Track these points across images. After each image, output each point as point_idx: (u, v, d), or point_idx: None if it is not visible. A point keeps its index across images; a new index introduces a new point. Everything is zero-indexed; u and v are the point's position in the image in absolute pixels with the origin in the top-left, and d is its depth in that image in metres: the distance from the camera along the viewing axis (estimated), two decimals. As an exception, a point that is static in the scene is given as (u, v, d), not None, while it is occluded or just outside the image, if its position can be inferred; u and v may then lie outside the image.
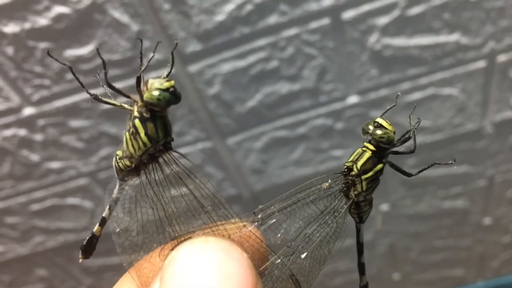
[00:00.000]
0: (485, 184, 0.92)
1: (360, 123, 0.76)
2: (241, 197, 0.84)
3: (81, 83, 0.32)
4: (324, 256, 0.34)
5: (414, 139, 0.34)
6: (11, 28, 0.60)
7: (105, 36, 0.62)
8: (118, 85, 0.69)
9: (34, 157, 0.73)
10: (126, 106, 0.31)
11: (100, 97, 0.32)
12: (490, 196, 0.96)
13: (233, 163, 0.78)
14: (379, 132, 0.32)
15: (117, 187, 0.32)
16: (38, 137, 0.71)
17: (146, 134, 0.30)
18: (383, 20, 0.64)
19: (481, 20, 0.66)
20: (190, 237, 0.26)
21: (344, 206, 0.34)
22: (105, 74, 0.31)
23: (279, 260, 0.32)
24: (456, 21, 0.66)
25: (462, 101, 0.75)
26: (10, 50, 0.62)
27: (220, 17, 0.62)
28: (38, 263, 0.92)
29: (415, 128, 0.34)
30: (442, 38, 0.67)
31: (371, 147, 0.33)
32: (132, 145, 0.30)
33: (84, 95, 0.67)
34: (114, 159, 0.32)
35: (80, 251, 0.36)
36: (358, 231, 0.35)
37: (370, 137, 0.32)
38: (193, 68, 0.66)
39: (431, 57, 0.69)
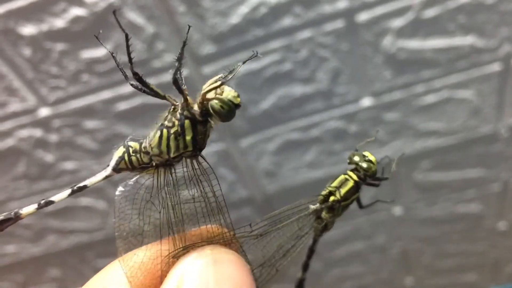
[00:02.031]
0: (500, 188, 0.92)
1: (373, 126, 0.76)
2: (253, 199, 0.84)
3: (121, 70, 0.31)
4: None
5: (390, 169, 0.37)
6: (29, 30, 0.61)
7: (121, 38, 0.62)
8: (132, 87, 0.70)
9: (49, 158, 0.74)
10: (171, 99, 0.29)
11: (139, 85, 0.30)
12: (505, 201, 0.95)
13: (246, 165, 0.79)
14: (365, 165, 0.35)
15: (101, 176, 0.30)
16: (53, 137, 0.71)
17: (193, 138, 0.28)
18: (397, 23, 0.64)
19: (496, 23, 0.65)
20: (194, 246, 0.26)
21: (316, 225, 0.36)
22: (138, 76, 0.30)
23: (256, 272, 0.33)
24: (471, 24, 0.65)
25: (477, 104, 0.75)
26: (27, 52, 0.62)
27: (234, 19, 0.62)
28: (51, 263, 0.93)
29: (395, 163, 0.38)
30: (457, 41, 0.67)
31: (355, 177, 0.35)
32: (168, 145, 0.28)
33: (99, 97, 0.68)
34: (122, 150, 0.30)
35: None
36: (315, 241, 0.37)
37: (354, 167, 0.35)
38: (207, 69, 0.66)
39: (446, 59, 0.69)
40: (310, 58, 0.67)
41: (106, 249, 0.90)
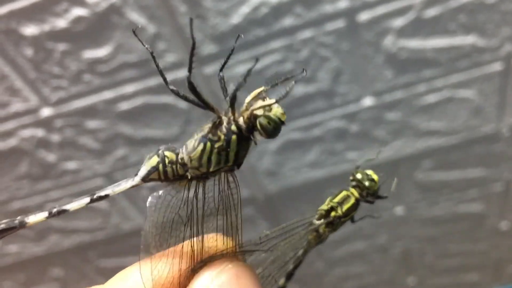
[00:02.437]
0: (502, 188, 0.92)
1: (375, 125, 0.76)
2: (254, 199, 0.84)
3: (163, 76, 0.29)
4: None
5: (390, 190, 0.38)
6: (31, 30, 0.61)
7: (122, 38, 0.63)
8: (134, 86, 0.70)
9: (51, 158, 0.74)
10: (218, 111, 0.28)
11: (180, 92, 0.28)
12: (507, 200, 0.95)
13: (247, 164, 0.79)
14: (368, 184, 0.36)
15: (128, 185, 0.28)
16: (55, 137, 0.72)
17: (236, 153, 0.27)
18: (398, 22, 0.64)
19: (497, 23, 0.65)
20: (213, 259, 0.26)
21: (311, 238, 0.36)
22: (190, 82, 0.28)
23: None
24: (472, 23, 0.65)
25: (478, 103, 0.75)
26: (29, 52, 0.63)
27: (235, 19, 0.62)
28: (53, 263, 0.93)
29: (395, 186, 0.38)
30: (458, 40, 0.67)
31: (357, 194, 0.36)
32: (210, 158, 0.27)
33: (101, 97, 0.68)
34: (156, 159, 0.28)
35: None
36: (306, 252, 0.38)
37: (356, 184, 0.36)
38: (209, 69, 0.66)
39: (447, 59, 0.69)
40: (311, 58, 0.67)
41: (108, 249, 0.90)
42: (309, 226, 0.35)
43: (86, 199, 0.29)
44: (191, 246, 0.27)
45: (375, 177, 0.36)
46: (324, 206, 0.36)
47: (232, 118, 0.27)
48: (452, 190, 0.91)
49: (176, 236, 0.28)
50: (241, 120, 0.27)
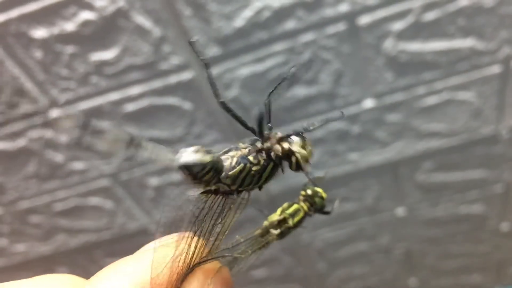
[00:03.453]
0: (503, 189, 0.92)
1: (376, 127, 0.77)
2: (257, 199, 0.85)
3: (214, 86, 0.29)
4: None
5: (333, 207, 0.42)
6: (40, 33, 0.63)
7: (129, 41, 0.64)
8: (140, 88, 0.72)
9: (59, 158, 0.76)
10: (259, 135, 0.29)
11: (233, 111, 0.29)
12: (508, 202, 0.96)
13: (251, 165, 0.80)
14: (317, 200, 0.39)
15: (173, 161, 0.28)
16: (63, 138, 0.73)
17: (267, 178, 0.29)
18: (398, 26, 0.66)
19: (495, 26, 0.67)
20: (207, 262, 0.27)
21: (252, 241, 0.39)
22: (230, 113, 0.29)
23: None
24: (470, 27, 0.67)
25: (478, 105, 0.76)
26: (39, 54, 0.64)
27: (239, 23, 0.64)
28: (60, 263, 0.95)
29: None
30: (457, 43, 0.68)
31: (306, 208, 0.39)
32: (244, 179, 0.28)
33: (107, 98, 0.70)
34: (210, 159, 0.27)
35: None
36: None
37: (305, 199, 0.39)
38: (213, 71, 0.68)
39: (446, 62, 0.70)
40: (313, 61, 0.69)
41: (114, 248, 0.92)
42: (265, 234, 0.38)
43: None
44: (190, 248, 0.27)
45: (324, 195, 0.40)
46: (277, 216, 0.38)
47: (273, 146, 0.29)
48: (453, 191, 0.92)
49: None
50: (278, 149, 0.29)
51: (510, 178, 0.90)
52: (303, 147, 0.29)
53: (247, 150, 0.29)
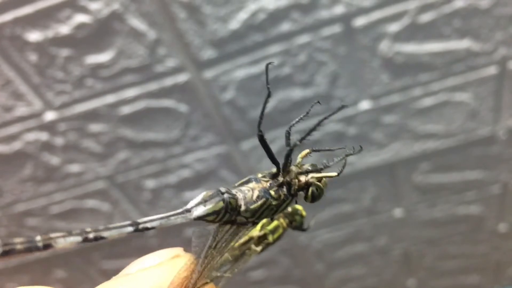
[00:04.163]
0: (500, 190, 0.92)
1: (372, 128, 0.77)
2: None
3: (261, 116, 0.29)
4: None
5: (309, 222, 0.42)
6: (35, 36, 0.62)
7: (124, 44, 0.64)
8: (136, 90, 0.71)
9: (55, 161, 0.76)
10: (284, 171, 0.30)
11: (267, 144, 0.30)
12: (505, 203, 0.96)
13: (247, 167, 0.80)
14: (298, 218, 0.40)
15: (184, 220, 0.28)
16: (59, 141, 0.73)
17: (282, 210, 0.30)
18: (393, 27, 0.66)
19: (491, 27, 0.67)
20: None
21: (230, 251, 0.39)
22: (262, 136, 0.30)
23: None
24: (466, 28, 0.67)
25: (474, 107, 0.76)
26: (34, 57, 0.64)
27: (234, 25, 0.64)
28: (57, 265, 0.95)
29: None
30: (453, 45, 0.68)
31: (285, 225, 0.40)
32: (263, 212, 0.29)
33: (103, 101, 0.69)
34: (222, 205, 0.27)
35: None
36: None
37: (284, 216, 0.40)
38: (208, 74, 0.68)
39: (442, 63, 0.70)
40: (309, 62, 0.68)
41: (111, 251, 0.92)
42: (245, 248, 0.38)
43: (130, 229, 0.26)
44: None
45: (304, 213, 0.41)
46: (257, 232, 0.39)
47: (293, 180, 0.30)
48: (450, 192, 0.92)
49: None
50: (296, 182, 0.30)
51: (507, 179, 0.90)
52: (320, 179, 0.30)
53: (268, 184, 0.29)
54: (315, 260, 1.04)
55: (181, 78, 0.68)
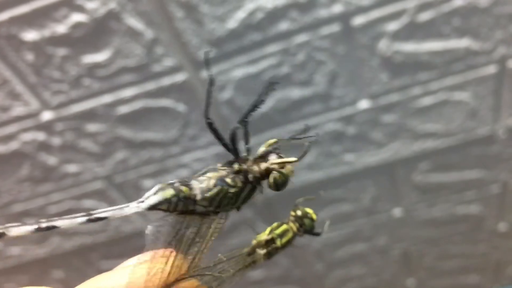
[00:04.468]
0: (499, 189, 0.92)
1: (371, 128, 0.77)
2: (253, 202, 0.85)
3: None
4: None
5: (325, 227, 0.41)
6: (31, 35, 0.62)
7: (121, 43, 0.64)
8: (133, 90, 0.71)
9: (52, 161, 0.75)
10: (239, 158, 0.29)
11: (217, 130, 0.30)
12: (505, 202, 0.96)
13: (246, 167, 0.80)
14: (307, 222, 0.39)
15: (129, 212, 0.29)
16: (56, 141, 0.73)
17: (244, 199, 0.29)
18: (392, 26, 0.65)
19: (490, 26, 0.66)
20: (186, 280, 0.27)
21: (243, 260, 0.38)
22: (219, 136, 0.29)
23: None
24: (466, 27, 0.66)
25: (474, 106, 0.76)
26: (30, 57, 0.64)
27: (232, 24, 0.63)
28: (55, 265, 0.94)
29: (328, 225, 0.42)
30: (452, 44, 0.68)
31: (295, 229, 0.39)
32: (221, 201, 0.28)
33: (100, 100, 0.69)
34: (170, 192, 0.28)
35: None
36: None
37: (295, 220, 0.39)
38: (206, 74, 0.67)
39: (441, 62, 0.69)
40: (307, 62, 0.68)
41: (109, 251, 0.91)
42: (252, 253, 0.37)
43: (82, 219, 0.28)
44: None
45: (314, 216, 0.39)
46: (264, 236, 0.38)
47: (250, 167, 0.29)
48: (450, 191, 0.92)
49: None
50: (255, 170, 0.29)
51: (507, 178, 0.90)
52: (282, 166, 0.29)
53: (225, 172, 0.29)
54: (314, 260, 1.04)
55: (179, 77, 0.67)
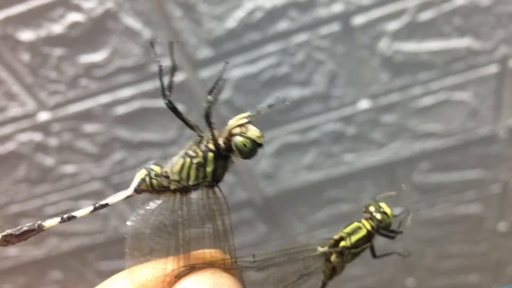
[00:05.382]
0: (500, 189, 0.92)
1: (371, 128, 0.76)
2: (252, 201, 0.84)
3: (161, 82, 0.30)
4: None
5: (403, 223, 0.38)
6: (27, 35, 0.61)
7: (119, 43, 0.63)
8: (131, 90, 0.71)
9: (49, 161, 0.75)
10: (198, 130, 0.30)
11: (177, 108, 0.31)
12: (505, 202, 0.95)
13: (245, 167, 0.79)
14: (380, 216, 0.36)
15: (122, 196, 0.32)
16: (53, 141, 0.72)
17: (213, 170, 0.29)
18: (393, 26, 0.65)
19: (492, 25, 0.66)
20: (197, 268, 0.27)
21: (324, 268, 0.36)
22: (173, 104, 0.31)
23: None
24: (467, 26, 0.66)
25: (474, 106, 0.75)
26: (26, 57, 0.63)
27: (230, 24, 0.63)
28: (52, 266, 0.94)
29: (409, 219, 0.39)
30: (453, 43, 0.67)
31: (368, 226, 0.36)
32: (189, 173, 0.29)
33: (98, 101, 0.68)
34: (143, 172, 0.30)
35: (2, 237, 0.32)
36: (325, 284, 0.37)
37: (369, 216, 0.36)
38: (205, 73, 0.67)
39: (442, 62, 0.69)
40: (307, 62, 0.67)
41: (107, 252, 0.91)
42: (311, 252, 0.35)
43: (90, 207, 0.33)
44: (177, 254, 0.28)
45: (387, 210, 0.36)
46: (335, 236, 0.36)
47: (211, 137, 0.29)
48: (450, 191, 0.91)
49: (160, 244, 0.29)
50: (220, 140, 0.29)
51: (507, 178, 0.89)
52: (244, 131, 0.29)
53: (189, 146, 0.30)
54: None
55: (177, 77, 0.67)
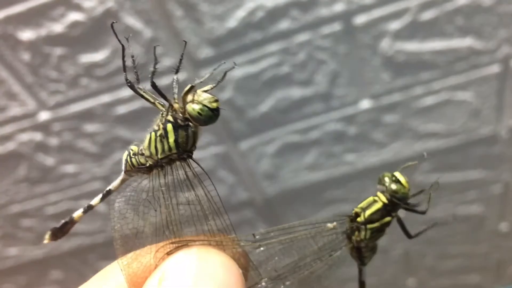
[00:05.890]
0: (501, 189, 0.91)
1: (372, 128, 0.76)
2: (253, 201, 0.84)
3: (124, 67, 0.33)
4: None
5: (429, 201, 0.35)
6: (27, 34, 0.61)
7: (119, 43, 0.63)
8: (131, 90, 0.70)
9: (50, 161, 0.75)
10: (159, 105, 0.31)
11: (136, 87, 0.32)
12: (506, 202, 0.95)
13: (246, 167, 0.79)
14: (394, 186, 0.32)
15: (119, 179, 0.33)
16: (54, 141, 0.72)
17: (175, 140, 0.30)
18: (394, 25, 0.64)
19: (494, 25, 0.65)
20: (187, 244, 0.27)
21: (343, 247, 0.34)
22: (153, 72, 0.32)
23: (263, 283, 0.32)
24: (469, 26, 0.65)
25: (476, 106, 0.75)
26: (26, 56, 0.63)
27: (231, 23, 0.62)
28: (53, 266, 0.94)
29: (432, 192, 0.35)
30: (455, 43, 0.67)
31: (384, 199, 0.33)
32: (155, 147, 0.30)
33: (98, 100, 0.68)
34: (126, 153, 0.32)
35: (50, 232, 0.37)
36: (360, 271, 0.36)
37: (384, 188, 0.33)
38: (205, 73, 0.66)
39: (444, 61, 0.69)
40: (308, 61, 0.67)
41: (108, 251, 0.91)
42: (320, 230, 0.33)
43: (100, 195, 0.37)
44: (167, 232, 0.29)
45: (402, 178, 0.33)
46: (353, 212, 0.34)
47: (168, 109, 0.30)
48: (452, 192, 0.91)
49: (147, 220, 0.31)
50: (178, 110, 0.30)
51: (509, 179, 0.89)
52: (195, 97, 0.30)
53: (155, 121, 0.31)
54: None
55: (179, 76, 0.66)
